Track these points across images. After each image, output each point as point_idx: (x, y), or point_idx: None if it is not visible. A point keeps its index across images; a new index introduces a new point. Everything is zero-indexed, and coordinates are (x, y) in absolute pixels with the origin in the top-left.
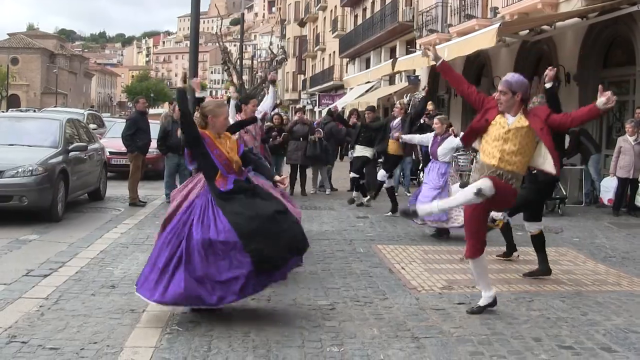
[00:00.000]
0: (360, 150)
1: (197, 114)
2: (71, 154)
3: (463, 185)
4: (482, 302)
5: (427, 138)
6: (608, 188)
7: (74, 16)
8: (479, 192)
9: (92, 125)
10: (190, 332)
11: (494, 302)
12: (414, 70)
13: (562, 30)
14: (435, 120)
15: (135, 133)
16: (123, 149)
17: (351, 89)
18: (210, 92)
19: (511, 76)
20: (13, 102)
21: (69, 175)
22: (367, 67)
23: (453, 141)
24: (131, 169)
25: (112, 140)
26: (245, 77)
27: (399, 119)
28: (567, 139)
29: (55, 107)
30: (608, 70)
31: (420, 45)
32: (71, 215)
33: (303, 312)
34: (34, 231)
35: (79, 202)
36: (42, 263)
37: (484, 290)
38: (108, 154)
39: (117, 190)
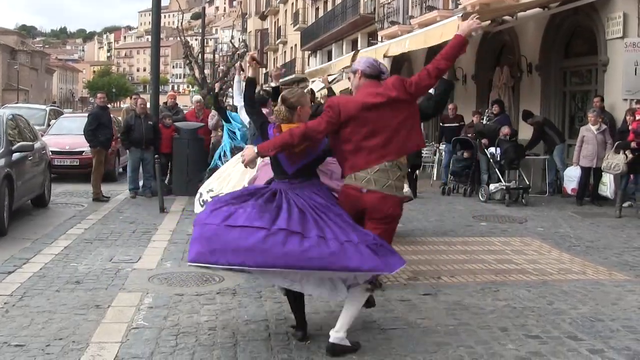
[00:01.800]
0: None
1: (280, 107)
2: (15, 155)
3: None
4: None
5: None
6: (571, 177)
7: (34, 11)
8: None
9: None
10: (157, 327)
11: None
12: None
13: (524, 20)
14: None
15: (97, 128)
16: (67, 147)
17: (313, 81)
18: (172, 87)
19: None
20: None
21: (13, 180)
22: (329, 59)
23: None
24: (94, 164)
25: (54, 137)
26: (207, 71)
27: None
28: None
29: (17, 103)
30: (570, 60)
31: (382, 38)
32: (34, 211)
33: (269, 305)
34: None
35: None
36: (6, 260)
37: None
38: (50, 153)
39: (62, 188)
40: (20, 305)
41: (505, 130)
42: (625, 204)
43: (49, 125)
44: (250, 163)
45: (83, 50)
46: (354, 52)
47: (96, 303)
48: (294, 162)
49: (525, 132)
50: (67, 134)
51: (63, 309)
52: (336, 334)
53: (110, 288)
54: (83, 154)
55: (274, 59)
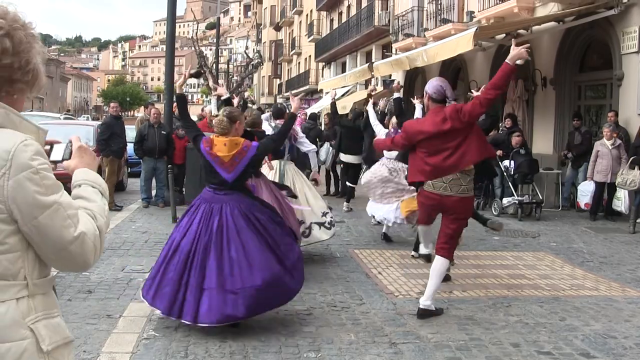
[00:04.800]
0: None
1: (223, 118)
2: None
3: None
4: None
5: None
6: (585, 192)
7: (49, 20)
8: None
9: None
10: (167, 338)
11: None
12: (390, 75)
13: (539, 34)
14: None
15: (110, 137)
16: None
17: (327, 93)
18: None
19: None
20: None
21: None
22: (343, 71)
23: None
24: (107, 173)
25: None
26: (221, 81)
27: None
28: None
29: (31, 111)
30: (584, 74)
31: (396, 50)
32: None
33: (280, 317)
34: None
35: None
36: None
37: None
38: None
39: None
40: None
41: (515, 139)
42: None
43: None
44: None
45: (98, 59)
46: (368, 64)
47: (108, 313)
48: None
49: (539, 146)
50: None
51: (74, 318)
52: (425, 302)
53: (122, 298)
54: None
55: (288, 70)
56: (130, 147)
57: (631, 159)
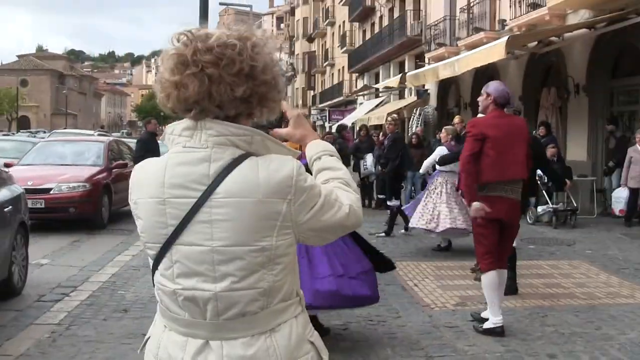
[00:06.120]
0: None
1: None
2: None
3: None
4: (486, 325)
5: (435, 156)
6: (619, 199)
7: (82, 36)
8: None
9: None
10: None
11: (500, 330)
12: (424, 85)
13: (571, 41)
14: (443, 132)
15: (145, 155)
16: (29, 182)
17: (361, 104)
18: None
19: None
20: (23, 124)
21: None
22: (377, 82)
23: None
24: None
25: (23, 169)
26: None
27: (388, 136)
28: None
29: (65, 128)
30: (617, 80)
31: (429, 60)
32: (82, 238)
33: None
34: (44, 255)
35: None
36: (54, 288)
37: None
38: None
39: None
40: (67, 335)
41: (550, 150)
42: None
43: None
44: None
45: (131, 74)
46: (401, 74)
47: (143, 332)
48: None
49: (573, 153)
50: (40, 164)
51: (110, 338)
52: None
53: None
54: (50, 192)
55: (322, 81)
56: None
57: None
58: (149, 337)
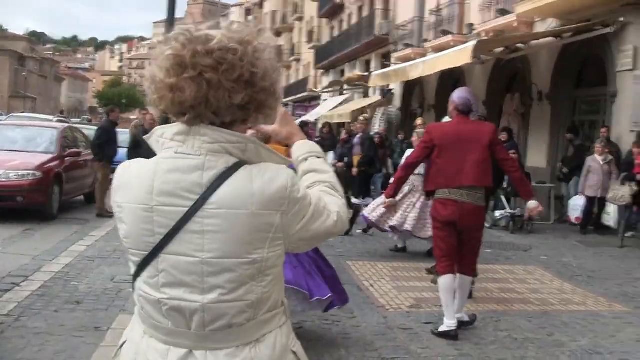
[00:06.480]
0: None
1: None
2: None
3: None
4: (440, 328)
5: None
6: (576, 207)
7: (44, 18)
8: None
9: None
10: None
11: (454, 334)
12: (388, 85)
13: (537, 49)
14: (414, 135)
15: (106, 142)
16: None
17: (325, 100)
18: None
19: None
20: None
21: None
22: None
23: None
24: (100, 178)
25: None
26: None
27: (359, 135)
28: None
29: (23, 112)
30: (581, 90)
31: (395, 60)
32: (35, 227)
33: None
34: None
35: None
36: (4, 277)
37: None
38: None
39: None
40: (16, 326)
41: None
42: (628, 234)
43: None
44: None
45: (94, 60)
46: (366, 73)
47: (95, 325)
48: None
49: (533, 160)
50: None
51: (61, 330)
52: (458, 315)
53: (110, 309)
54: None
55: (287, 75)
56: (122, 152)
57: (622, 175)
58: (124, 342)
